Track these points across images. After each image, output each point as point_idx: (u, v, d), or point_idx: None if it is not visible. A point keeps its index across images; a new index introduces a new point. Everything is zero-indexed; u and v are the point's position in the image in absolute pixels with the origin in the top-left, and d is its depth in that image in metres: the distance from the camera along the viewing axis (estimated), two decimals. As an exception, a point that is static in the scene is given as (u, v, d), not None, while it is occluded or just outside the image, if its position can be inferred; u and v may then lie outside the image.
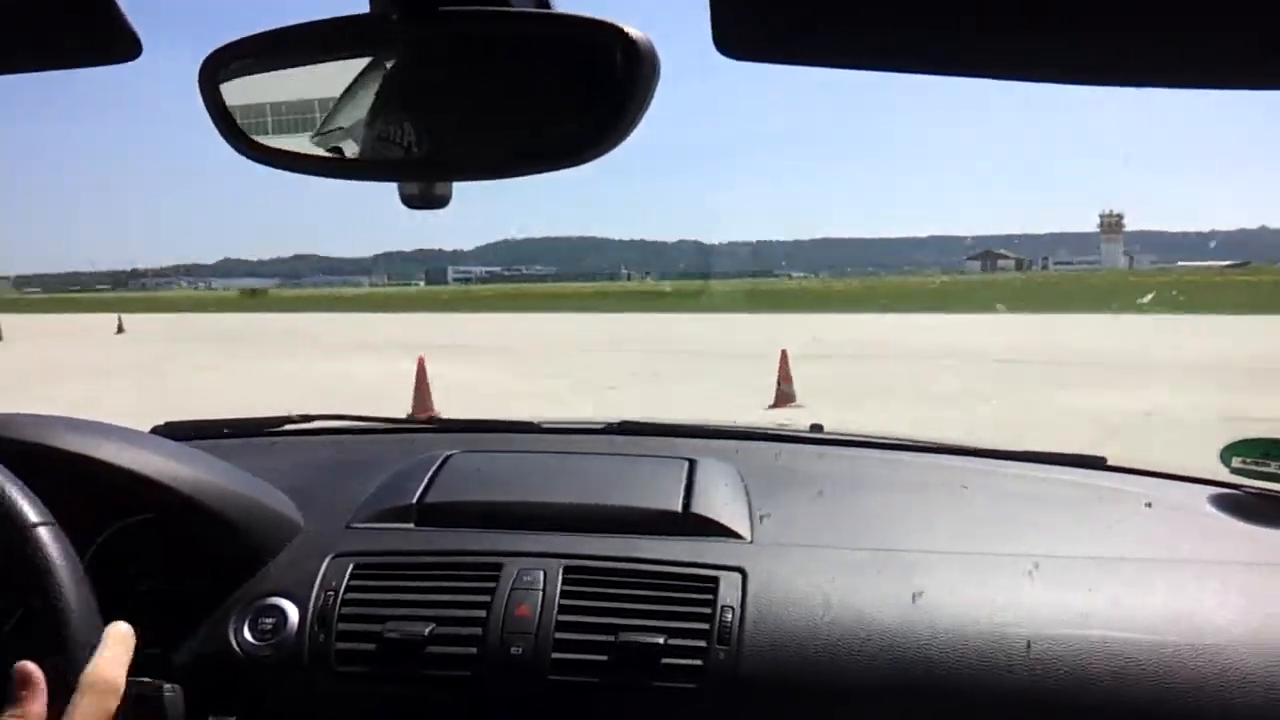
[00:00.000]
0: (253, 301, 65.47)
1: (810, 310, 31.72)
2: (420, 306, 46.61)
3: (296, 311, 41.03)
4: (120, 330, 24.88)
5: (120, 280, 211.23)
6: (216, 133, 0.72)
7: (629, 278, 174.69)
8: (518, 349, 17.50)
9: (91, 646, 0.84)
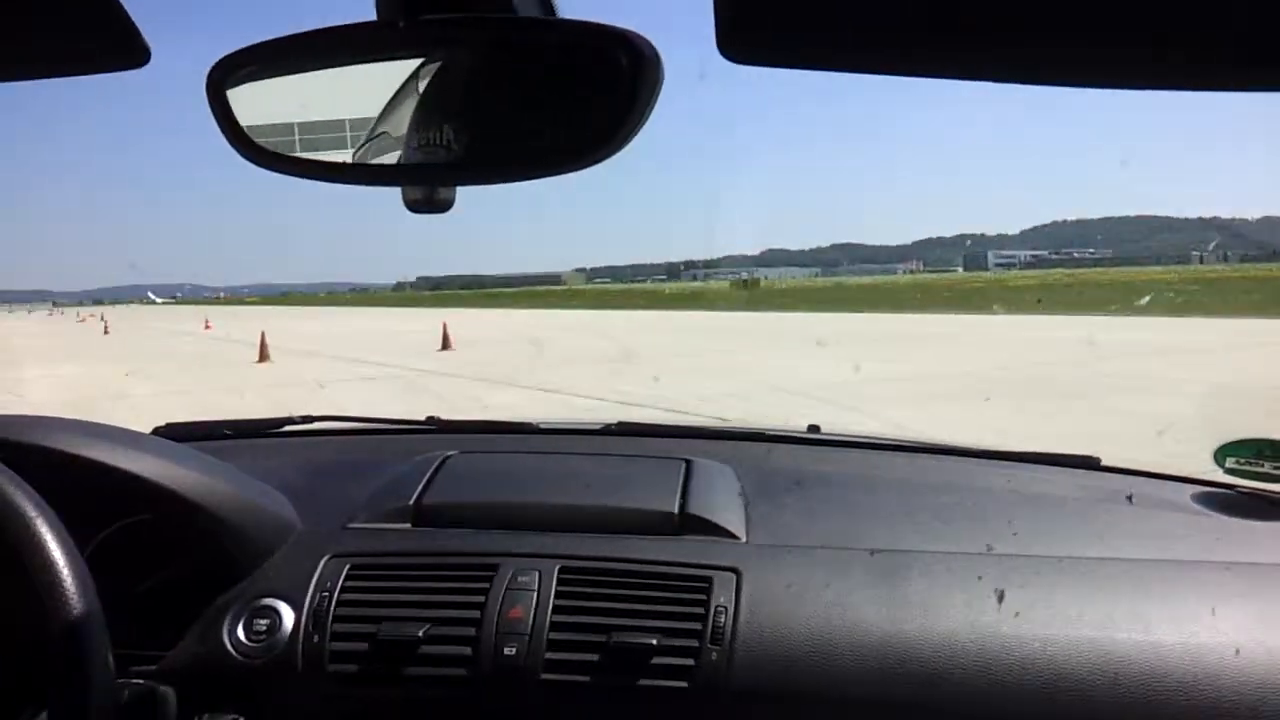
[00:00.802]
0: (745, 294, 60.98)
1: None
2: (913, 302, 37.12)
3: (766, 310, 34.14)
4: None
5: (674, 271, 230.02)
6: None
7: (1201, 260, 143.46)
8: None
9: (97, 640, 0.86)
